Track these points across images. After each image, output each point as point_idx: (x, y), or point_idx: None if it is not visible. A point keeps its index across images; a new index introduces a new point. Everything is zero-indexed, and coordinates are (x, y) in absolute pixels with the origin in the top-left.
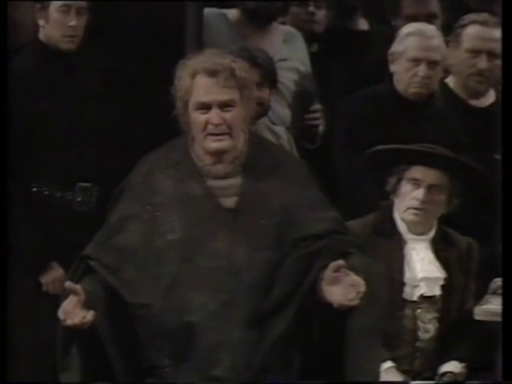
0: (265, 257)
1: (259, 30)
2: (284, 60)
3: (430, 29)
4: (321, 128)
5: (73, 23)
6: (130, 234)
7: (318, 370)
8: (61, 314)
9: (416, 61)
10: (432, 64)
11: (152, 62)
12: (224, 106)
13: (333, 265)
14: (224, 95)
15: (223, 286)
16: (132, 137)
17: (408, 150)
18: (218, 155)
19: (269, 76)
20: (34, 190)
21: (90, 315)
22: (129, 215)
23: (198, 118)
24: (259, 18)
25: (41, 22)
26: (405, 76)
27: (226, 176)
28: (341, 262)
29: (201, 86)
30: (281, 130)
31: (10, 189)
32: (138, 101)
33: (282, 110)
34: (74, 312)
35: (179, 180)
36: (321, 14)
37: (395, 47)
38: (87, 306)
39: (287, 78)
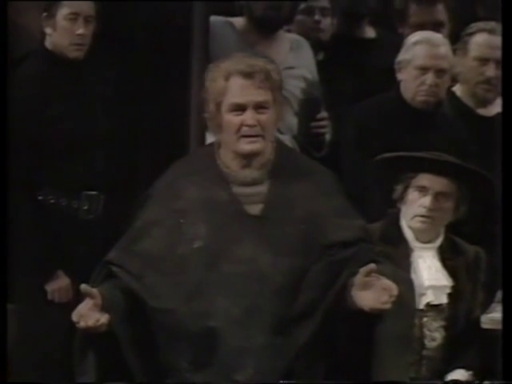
0: (290, 263)
1: (266, 38)
2: (291, 68)
3: (437, 37)
4: (327, 136)
5: (81, 31)
6: (153, 240)
7: (344, 377)
8: (75, 316)
9: (423, 69)
10: (439, 72)
11: (159, 70)
12: (259, 107)
13: (364, 269)
14: (259, 96)
15: (247, 291)
16: (139, 145)
17: (415, 157)
18: (249, 158)
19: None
20: (40, 198)
21: (104, 318)
22: (153, 221)
23: (232, 119)
24: (266, 26)
25: (48, 30)
26: (412, 84)
27: (253, 183)
28: (372, 265)
29: (236, 87)
30: (286, 138)
31: (16, 197)
32: (145, 109)
33: (288, 118)
34: (88, 315)
35: (204, 187)
36: (326, 23)
37: (402, 55)
38: (104, 309)
39: (294, 86)
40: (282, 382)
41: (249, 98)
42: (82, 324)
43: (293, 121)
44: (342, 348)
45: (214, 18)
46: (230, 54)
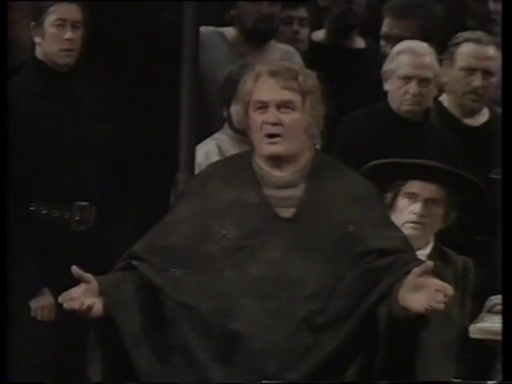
0: (322, 269)
1: (256, 48)
2: None
3: (422, 46)
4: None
5: (68, 35)
6: (181, 237)
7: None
8: (61, 297)
9: (407, 78)
10: (423, 81)
11: (149, 81)
12: (282, 106)
13: (418, 269)
14: (282, 95)
15: (273, 295)
16: (130, 156)
17: (404, 164)
18: (275, 161)
19: None
20: (32, 208)
21: (90, 301)
22: (182, 218)
23: (256, 117)
24: (257, 38)
25: (37, 39)
26: (397, 94)
27: (286, 186)
28: (430, 263)
29: (262, 86)
30: None
31: (6, 208)
32: (135, 120)
33: None
34: (77, 297)
35: (237, 188)
36: (304, 33)
37: (387, 65)
38: (103, 295)
39: None
40: (279, 382)
41: (271, 95)
42: (65, 305)
43: None
44: (381, 356)
45: (204, 29)
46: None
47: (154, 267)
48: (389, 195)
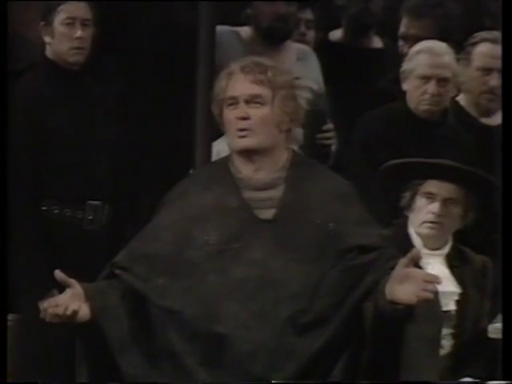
0: (304, 268)
1: (272, 48)
2: (297, 78)
3: (441, 46)
4: (333, 147)
5: (79, 34)
6: (162, 244)
7: (367, 379)
8: (46, 303)
9: (425, 78)
10: (442, 81)
11: (164, 80)
12: (251, 101)
13: (405, 259)
14: (250, 90)
15: (256, 296)
16: (144, 154)
17: (422, 163)
18: (247, 156)
19: None
20: (44, 208)
21: (75, 306)
22: (163, 226)
23: (229, 114)
24: (272, 38)
25: (47, 39)
26: (415, 94)
27: (265, 187)
28: (416, 250)
29: (234, 83)
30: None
31: (19, 207)
32: (149, 118)
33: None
34: (61, 303)
35: (217, 193)
36: (311, 35)
37: (406, 65)
38: (88, 300)
39: (300, 97)
40: (274, 382)
41: (241, 91)
42: (50, 311)
43: (298, 132)
44: (368, 352)
45: (220, 28)
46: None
47: (137, 276)
48: (407, 195)
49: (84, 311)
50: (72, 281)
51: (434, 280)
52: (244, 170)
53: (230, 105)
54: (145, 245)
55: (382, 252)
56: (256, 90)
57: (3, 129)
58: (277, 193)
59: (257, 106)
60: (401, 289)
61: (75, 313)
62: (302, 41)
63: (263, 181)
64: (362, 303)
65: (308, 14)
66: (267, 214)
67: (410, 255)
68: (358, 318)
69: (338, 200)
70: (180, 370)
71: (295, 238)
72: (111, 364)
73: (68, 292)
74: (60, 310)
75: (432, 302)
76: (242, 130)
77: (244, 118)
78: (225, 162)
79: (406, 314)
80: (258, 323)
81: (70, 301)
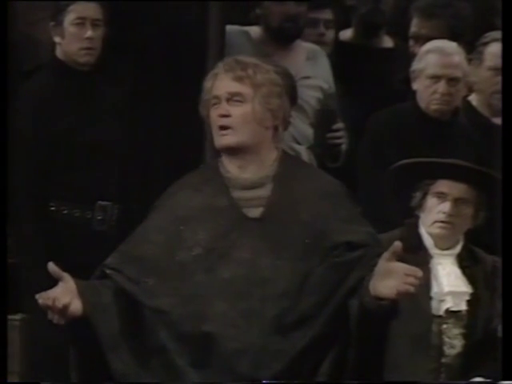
0: (292, 267)
1: (282, 47)
2: (307, 78)
3: (451, 46)
4: (343, 147)
5: (89, 34)
6: (152, 246)
7: (353, 377)
8: (38, 295)
9: (435, 78)
10: (452, 81)
11: (174, 80)
12: (231, 99)
13: (386, 253)
14: (231, 87)
15: (245, 295)
16: (153, 155)
17: (433, 163)
18: (231, 155)
19: (289, 90)
20: (53, 209)
21: (66, 300)
22: (153, 228)
23: (212, 113)
24: (282, 37)
25: (57, 39)
26: (425, 93)
27: (252, 186)
28: (398, 243)
29: (218, 82)
30: (301, 148)
31: (28, 207)
32: (159, 118)
33: (305, 129)
34: (53, 296)
35: (206, 194)
36: (330, 35)
37: (416, 65)
38: (80, 296)
39: (310, 97)
40: (265, 382)
41: (223, 89)
42: (40, 302)
43: (308, 131)
44: (354, 350)
45: (230, 28)
46: None
47: (127, 277)
48: (417, 195)
49: (75, 306)
50: (65, 274)
51: (414, 273)
52: (231, 169)
53: (214, 104)
54: (135, 247)
55: (368, 249)
56: (236, 87)
57: (12, 128)
58: (265, 191)
59: (237, 104)
60: (383, 284)
61: (66, 306)
62: (320, 41)
63: (251, 180)
64: (348, 300)
65: (327, 14)
66: (255, 212)
67: (391, 249)
68: (343, 316)
69: (326, 198)
70: (171, 370)
71: (283, 236)
72: (101, 362)
73: (60, 285)
74: (50, 302)
75: (416, 303)
76: (223, 127)
77: (224, 116)
78: (215, 163)
79: (391, 310)
80: (246, 322)
81: (62, 294)
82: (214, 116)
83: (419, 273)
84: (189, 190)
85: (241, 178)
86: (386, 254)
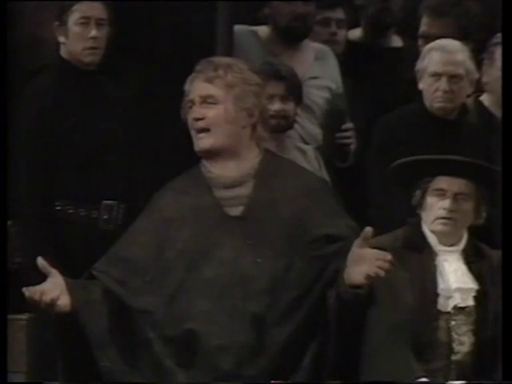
0: (273, 264)
1: (290, 47)
2: (315, 78)
3: (453, 44)
4: (352, 147)
5: (93, 33)
6: (139, 247)
7: (333, 369)
8: (26, 290)
9: (437, 75)
10: (454, 78)
11: (181, 80)
12: (204, 101)
13: (358, 240)
14: (202, 90)
15: (227, 293)
16: (159, 154)
17: (430, 160)
18: (210, 157)
19: (294, 90)
20: (58, 208)
21: (54, 294)
22: (140, 230)
23: (188, 117)
24: (290, 37)
25: (61, 39)
26: (428, 92)
27: (233, 185)
28: (368, 228)
29: (194, 85)
30: (309, 148)
31: (33, 207)
32: (164, 117)
33: (313, 129)
34: (40, 291)
35: (190, 194)
36: (342, 35)
37: (419, 64)
38: (69, 293)
39: (318, 97)
40: (273, 382)
41: (196, 92)
42: (26, 294)
43: (317, 131)
44: (331, 341)
45: (238, 27)
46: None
47: (114, 279)
48: (417, 193)
49: (64, 302)
50: (53, 270)
51: (384, 257)
52: (212, 169)
53: (190, 108)
54: (122, 249)
55: (347, 242)
56: (208, 89)
57: (17, 128)
58: (245, 190)
59: (210, 106)
60: (355, 270)
61: (54, 301)
62: (331, 41)
63: (231, 178)
64: (326, 292)
65: (339, 14)
66: (236, 210)
67: (362, 235)
68: (322, 308)
69: (307, 195)
70: (158, 370)
71: (264, 233)
72: (88, 361)
73: (48, 281)
74: (36, 296)
75: (396, 295)
76: (199, 131)
77: (198, 119)
78: (198, 165)
79: (367, 298)
80: (229, 320)
81: (50, 289)
82: (190, 120)
83: (388, 256)
84: (175, 192)
85: (222, 177)
86: (357, 241)
